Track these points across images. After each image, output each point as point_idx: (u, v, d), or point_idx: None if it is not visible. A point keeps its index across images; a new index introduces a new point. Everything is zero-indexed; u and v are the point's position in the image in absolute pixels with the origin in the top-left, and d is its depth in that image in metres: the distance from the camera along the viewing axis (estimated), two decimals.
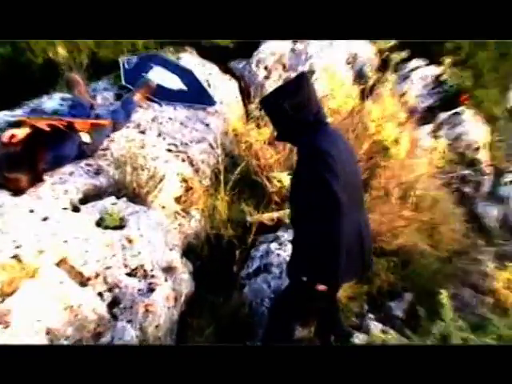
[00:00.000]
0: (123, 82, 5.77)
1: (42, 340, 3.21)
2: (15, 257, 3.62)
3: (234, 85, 6.52)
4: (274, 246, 4.56)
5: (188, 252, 4.56)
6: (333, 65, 6.50)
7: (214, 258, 4.62)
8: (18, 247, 3.65)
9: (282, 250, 4.53)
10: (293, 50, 6.86)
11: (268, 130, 4.95)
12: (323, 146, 3.05)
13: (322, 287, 3.20)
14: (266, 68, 6.65)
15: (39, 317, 3.28)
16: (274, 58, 6.73)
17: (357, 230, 3.22)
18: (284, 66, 6.72)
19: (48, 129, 4.22)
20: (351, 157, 3.29)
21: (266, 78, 6.56)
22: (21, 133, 4.18)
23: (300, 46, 6.87)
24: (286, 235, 4.61)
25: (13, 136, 4.15)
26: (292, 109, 3.10)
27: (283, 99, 3.12)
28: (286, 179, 4.61)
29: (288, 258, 4.18)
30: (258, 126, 5.12)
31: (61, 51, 6.23)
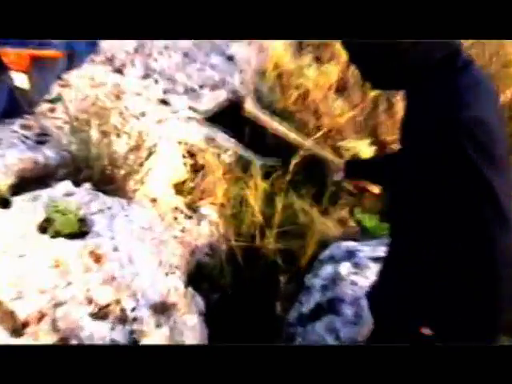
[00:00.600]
0: None
1: None
2: None
3: None
4: (345, 267, 3.06)
5: (197, 278, 3.08)
6: None
7: (240, 288, 3.17)
8: None
9: (360, 274, 3.04)
10: None
11: (336, 68, 3.12)
12: (473, 105, 1.80)
13: (427, 331, 2.20)
14: None
15: None
16: None
17: None
18: None
19: None
20: (502, 118, 2.08)
21: None
22: None
23: None
24: (369, 250, 3.14)
25: None
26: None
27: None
28: (366, 151, 2.96)
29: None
30: (319, 60, 3.28)
31: None
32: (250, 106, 3.32)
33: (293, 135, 3.15)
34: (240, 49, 3.81)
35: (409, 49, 1.93)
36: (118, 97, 3.16)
